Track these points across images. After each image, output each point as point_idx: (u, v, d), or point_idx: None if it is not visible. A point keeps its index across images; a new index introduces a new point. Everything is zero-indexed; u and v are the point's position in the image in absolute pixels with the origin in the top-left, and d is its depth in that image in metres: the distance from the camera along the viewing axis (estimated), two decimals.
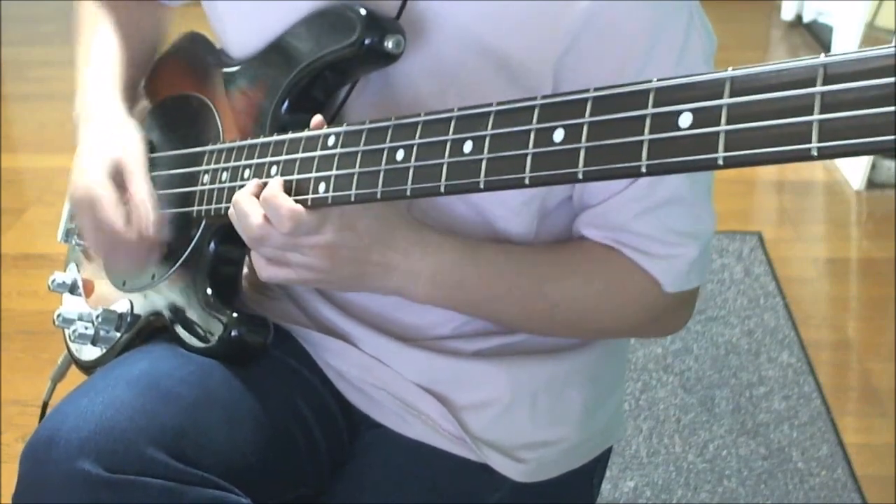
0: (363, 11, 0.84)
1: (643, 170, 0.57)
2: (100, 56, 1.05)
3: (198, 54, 1.03)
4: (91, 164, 0.94)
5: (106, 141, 0.97)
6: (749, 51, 3.90)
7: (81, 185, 0.94)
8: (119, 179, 0.93)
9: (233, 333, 0.90)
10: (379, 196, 0.74)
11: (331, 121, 0.90)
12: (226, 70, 0.97)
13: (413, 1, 0.84)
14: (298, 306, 1.01)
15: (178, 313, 0.95)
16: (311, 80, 0.88)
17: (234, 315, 0.90)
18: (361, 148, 0.76)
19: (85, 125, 1.00)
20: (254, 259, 0.85)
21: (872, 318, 2.22)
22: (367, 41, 0.83)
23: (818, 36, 3.85)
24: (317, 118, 0.82)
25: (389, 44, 0.83)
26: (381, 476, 0.96)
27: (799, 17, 4.04)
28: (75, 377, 1.03)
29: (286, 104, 0.90)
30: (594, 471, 1.04)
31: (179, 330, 0.94)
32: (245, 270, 0.98)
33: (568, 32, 0.81)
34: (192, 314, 0.93)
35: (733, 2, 3.82)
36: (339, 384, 0.99)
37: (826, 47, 3.63)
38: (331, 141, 0.79)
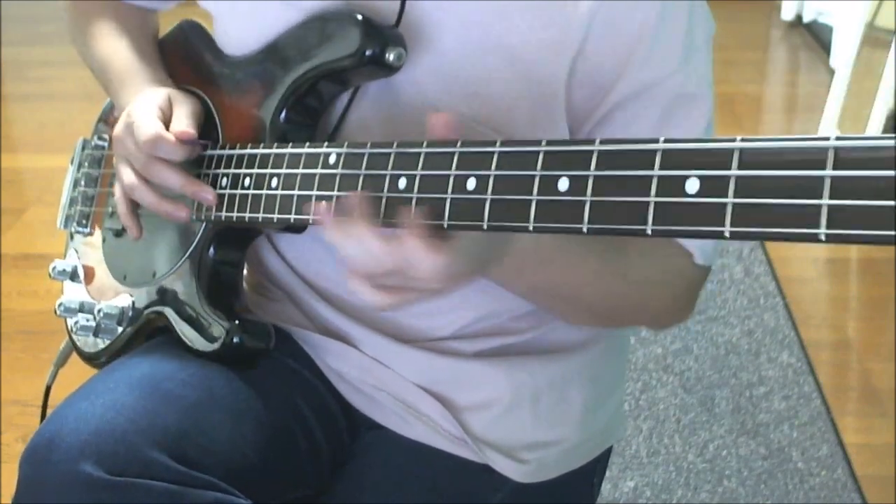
0: (363, 20, 0.83)
1: (648, 232, 0.57)
2: (128, 46, 1.03)
3: (195, 47, 1.03)
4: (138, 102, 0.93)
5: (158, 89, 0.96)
6: (749, 51, 3.91)
7: (124, 115, 0.92)
8: (168, 112, 0.92)
9: (234, 340, 0.90)
10: (381, 224, 0.72)
11: (335, 126, 0.90)
12: (224, 68, 0.97)
13: (412, 1, 0.84)
14: (298, 308, 1.01)
15: (179, 314, 0.94)
16: (308, 88, 0.88)
17: (236, 321, 0.90)
18: (363, 171, 0.74)
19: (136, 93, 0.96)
20: (370, 294, 0.74)
21: (872, 318, 2.22)
22: (367, 52, 0.83)
23: (818, 36, 3.85)
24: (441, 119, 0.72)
25: (391, 56, 0.82)
26: (382, 477, 0.96)
27: (799, 17, 4.05)
28: (79, 370, 1.03)
29: (285, 111, 0.89)
30: (594, 471, 1.04)
31: (181, 331, 0.93)
32: (245, 272, 0.98)
33: (577, 26, 0.82)
34: (194, 316, 0.93)
35: (733, 2, 3.82)
36: (339, 385, 0.99)
37: (826, 47, 3.64)
38: (332, 159, 0.77)
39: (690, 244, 0.89)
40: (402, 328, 0.96)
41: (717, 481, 1.73)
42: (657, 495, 1.70)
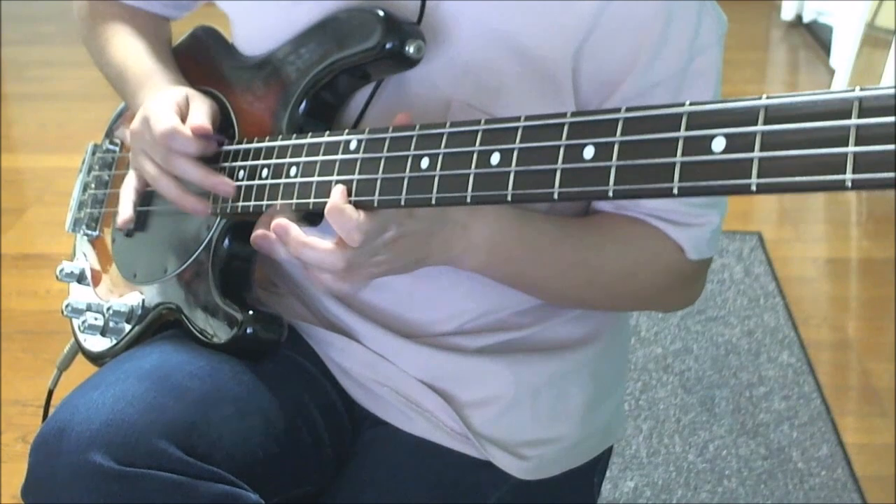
0: (384, 15, 0.84)
1: (675, 191, 0.58)
2: (145, 51, 1.04)
3: (210, 49, 1.03)
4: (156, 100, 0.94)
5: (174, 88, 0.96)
6: (749, 51, 3.90)
7: (141, 111, 0.92)
8: (184, 108, 0.92)
9: (248, 331, 0.90)
10: (403, 203, 0.73)
11: (356, 122, 0.90)
12: (240, 67, 0.97)
13: (431, 0, 0.85)
14: (303, 302, 1.01)
15: (191, 308, 0.95)
16: (329, 82, 0.89)
17: (250, 312, 0.90)
18: (385, 154, 0.75)
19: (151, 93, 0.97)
20: (325, 280, 0.82)
21: (872, 318, 2.22)
22: (387, 45, 0.84)
23: (818, 36, 3.85)
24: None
25: (411, 49, 0.84)
26: (385, 473, 0.96)
27: (799, 17, 4.05)
28: (79, 373, 1.03)
29: (303, 105, 0.90)
30: (595, 469, 1.04)
31: (192, 325, 0.94)
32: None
33: (583, 21, 0.83)
34: (206, 310, 0.93)
35: (733, 2, 3.82)
36: (342, 381, 0.99)
37: (826, 47, 3.64)
38: (353, 145, 0.78)
39: (682, 240, 0.90)
40: (406, 323, 0.96)
41: (717, 481, 1.73)
42: (657, 495, 1.70)
